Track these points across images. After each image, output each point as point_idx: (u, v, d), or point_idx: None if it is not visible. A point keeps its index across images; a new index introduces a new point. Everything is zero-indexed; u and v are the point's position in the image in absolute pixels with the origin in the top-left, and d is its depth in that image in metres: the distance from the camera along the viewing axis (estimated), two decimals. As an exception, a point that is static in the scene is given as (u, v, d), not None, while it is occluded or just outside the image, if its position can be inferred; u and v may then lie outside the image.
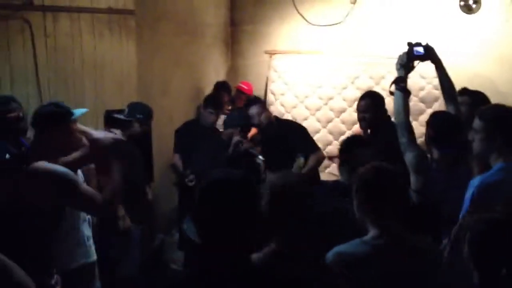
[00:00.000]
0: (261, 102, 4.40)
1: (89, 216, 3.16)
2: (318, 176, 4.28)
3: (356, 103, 4.28)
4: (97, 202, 2.34)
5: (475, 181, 2.45)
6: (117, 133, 3.89)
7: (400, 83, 2.98)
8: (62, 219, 2.46)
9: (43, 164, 2.28)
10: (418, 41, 3.10)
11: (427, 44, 3.11)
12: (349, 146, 2.84)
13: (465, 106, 3.46)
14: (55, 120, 2.38)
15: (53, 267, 2.45)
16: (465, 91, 3.79)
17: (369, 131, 3.96)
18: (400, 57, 3.06)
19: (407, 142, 2.89)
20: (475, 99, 3.62)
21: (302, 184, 2.00)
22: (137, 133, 4.00)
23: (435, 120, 3.03)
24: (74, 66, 4.10)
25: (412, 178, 2.90)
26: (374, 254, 2.00)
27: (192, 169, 4.32)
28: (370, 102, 3.95)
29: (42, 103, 3.80)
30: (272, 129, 4.22)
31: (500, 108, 2.57)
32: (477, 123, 2.53)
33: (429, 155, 3.01)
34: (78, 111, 2.51)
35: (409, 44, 3.07)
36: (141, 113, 3.99)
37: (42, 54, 3.84)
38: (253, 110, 4.20)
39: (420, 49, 3.05)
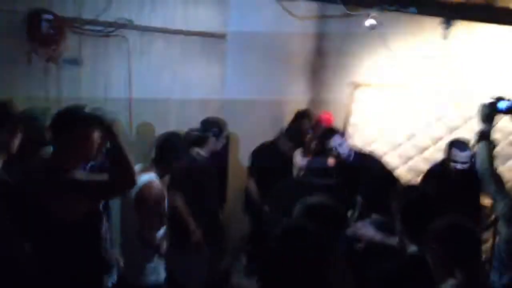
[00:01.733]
0: (341, 133, 4.34)
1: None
2: None
3: (440, 142, 4.21)
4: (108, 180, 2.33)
5: None
6: (199, 152, 3.98)
7: (485, 135, 2.88)
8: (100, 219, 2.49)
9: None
10: (502, 96, 2.98)
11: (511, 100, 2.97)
12: None
13: None
14: (70, 124, 2.33)
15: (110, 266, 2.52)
16: None
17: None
18: (483, 109, 2.93)
19: (496, 191, 2.77)
20: None
21: None
22: (215, 148, 4.03)
23: None
24: (164, 84, 4.28)
25: (502, 227, 2.75)
26: None
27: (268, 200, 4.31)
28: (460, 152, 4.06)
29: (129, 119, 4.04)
30: (350, 160, 4.16)
31: None
32: None
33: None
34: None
35: (493, 98, 2.95)
36: (215, 126, 4.03)
37: (136, 71, 4.05)
38: (334, 141, 4.17)
39: (504, 104, 2.93)
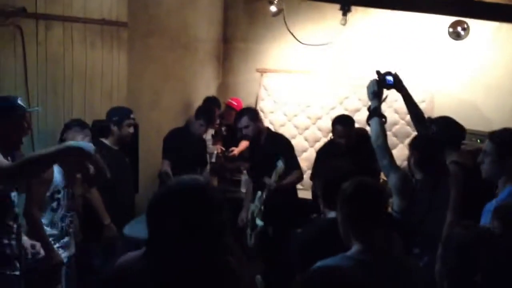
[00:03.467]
0: (252, 113, 4.33)
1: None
2: (296, 194, 4.35)
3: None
4: None
5: (490, 206, 2.46)
6: (104, 142, 3.90)
7: (376, 111, 2.96)
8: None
9: None
10: (388, 70, 3.14)
11: (395, 73, 3.14)
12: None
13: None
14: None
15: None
16: (429, 120, 3.56)
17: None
18: (371, 86, 3.04)
19: (390, 164, 2.87)
20: (441, 125, 3.46)
21: None
22: (121, 137, 3.95)
23: (419, 142, 3.08)
24: (64, 75, 4.10)
25: (395, 199, 2.90)
26: (358, 269, 2.00)
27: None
28: (343, 128, 4.34)
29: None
30: (261, 140, 4.24)
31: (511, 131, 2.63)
32: (488, 145, 2.59)
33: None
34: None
35: (379, 72, 3.09)
36: (115, 115, 3.94)
37: (33, 62, 3.84)
38: (242, 122, 4.20)
39: (391, 78, 3.10)
